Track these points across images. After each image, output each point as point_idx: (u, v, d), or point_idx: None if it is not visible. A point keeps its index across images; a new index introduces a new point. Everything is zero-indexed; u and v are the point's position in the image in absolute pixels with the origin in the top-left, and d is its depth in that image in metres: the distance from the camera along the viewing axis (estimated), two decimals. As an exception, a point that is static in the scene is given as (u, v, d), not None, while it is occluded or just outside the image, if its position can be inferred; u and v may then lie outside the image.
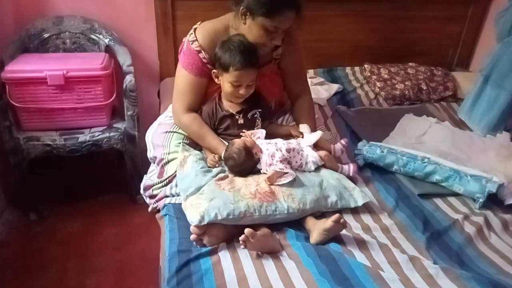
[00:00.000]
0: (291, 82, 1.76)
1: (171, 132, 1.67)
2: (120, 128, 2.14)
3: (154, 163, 1.69)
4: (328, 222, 1.29)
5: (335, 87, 2.48)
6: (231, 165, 1.48)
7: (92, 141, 2.06)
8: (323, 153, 1.64)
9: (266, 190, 1.40)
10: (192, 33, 1.58)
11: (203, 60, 1.57)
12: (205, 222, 1.28)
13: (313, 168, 1.57)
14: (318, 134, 1.69)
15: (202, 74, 1.59)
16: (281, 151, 1.51)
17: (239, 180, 1.45)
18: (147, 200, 1.68)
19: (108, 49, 2.31)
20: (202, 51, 1.56)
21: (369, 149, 1.73)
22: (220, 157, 1.56)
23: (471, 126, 2.14)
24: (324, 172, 1.58)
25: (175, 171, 1.56)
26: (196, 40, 1.56)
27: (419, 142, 1.95)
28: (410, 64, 2.69)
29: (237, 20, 1.53)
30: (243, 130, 1.58)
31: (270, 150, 1.50)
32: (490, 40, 2.37)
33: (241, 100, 1.59)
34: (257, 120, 1.64)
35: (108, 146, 2.11)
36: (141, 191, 1.70)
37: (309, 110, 1.79)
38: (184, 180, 1.49)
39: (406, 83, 2.50)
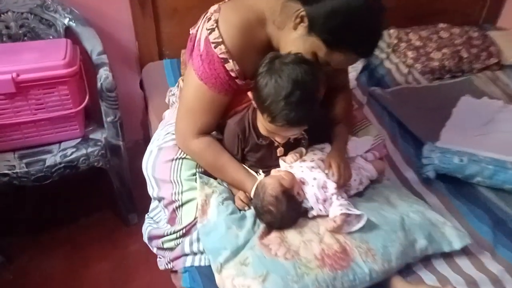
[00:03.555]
0: (330, 74, 1.29)
1: (179, 159, 1.19)
2: (100, 140, 1.63)
3: (159, 202, 1.22)
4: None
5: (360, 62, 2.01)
6: (268, 221, 1.05)
7: (64, 162, 1.55)
8: (379, 163, 1.23)
9: (336, 249, 0.98)
10: (214, 28, 1.06)
11: (231, 73, 1.08)
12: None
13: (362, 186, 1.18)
14: (368, 140, 1.26)
15: (226, 91, 1.11)
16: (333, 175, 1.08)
17: (292, 235, 1.02)
18: (154, 250, 1.24)
19: (69, 33, 1.74)
20: (230, 61, 1.06)
21: (443, 158, 1.32)
22: (250, 196, 1.13)
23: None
24: (393, 198, 1.17)
25: (195, 219, 1.11)
26: (223, 42, 1.05)
27: (483, 133, 1.56)
28: (441, 25, 2.24)
29: (284, 16, 1.03)
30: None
31: (319, 179, 1.07)
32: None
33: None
34: (303, 142, 1.18)
35: (87, 166, 1.61)
36: (145, 239, 1.25)
37: (348, 108, 1.35)
38: (212, 236, 1.05)
39: (444, 50, 2.06)
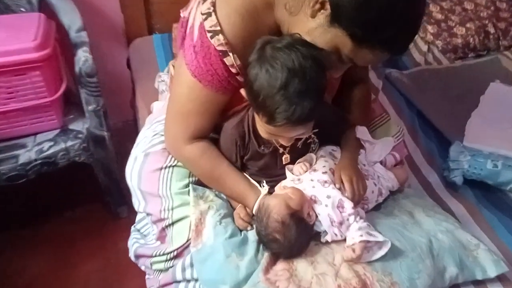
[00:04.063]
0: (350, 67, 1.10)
1: (169, 167, 1.01)
2: (81, 131, 1.44)
3: (147, 216, 1.06)
4: None
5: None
6: (276, 251, 0.89)
7: (40, 159, 1.37)
8: (401, 172, 1.07)
9: (354, 286, 0.83)
10: (210, 13, 0.85)
11: (231, 69, 0.88)
12: None
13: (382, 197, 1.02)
14: (388, 142, 1.09)
15: (225, 89, 0.91)
16: None
17: (303, 267, 0.86)
18: (142, 268, 1.09)
19: (44, 4, 1.51)
20: (230, 54, 0.86)
21: (474, 162, 1.14)
22: (253, 212, 0.96)
23: None
24: (418, 212, 1.01)
25: (187, 241, 0.95)
26: (221, 31, 0.85)
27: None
28: (464, -6, 2.00)
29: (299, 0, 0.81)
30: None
31: (334, 198, 0.90)
32: None
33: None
34: (312, 146, 1.00)
35: (67, 162, 1.43)
36: (131, 256, 1.09)
37: (366, 103, 1.16)
38: (208, 264, 0.89)
39: (468, 25, 1.84)
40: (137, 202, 1.03)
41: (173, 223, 0.98)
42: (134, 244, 1.07)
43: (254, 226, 0.91)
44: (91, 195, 1.79)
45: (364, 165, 1.04)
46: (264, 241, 0.88)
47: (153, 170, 1.01)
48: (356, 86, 1.13)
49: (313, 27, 0.81)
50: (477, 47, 1.82)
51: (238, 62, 0.87)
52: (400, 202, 1.04)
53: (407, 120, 1.41)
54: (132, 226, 1.14)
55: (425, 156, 1.29)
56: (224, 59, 0.87)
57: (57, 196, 1.81)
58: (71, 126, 1.46)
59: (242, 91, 0.87)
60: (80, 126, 1.46)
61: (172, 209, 0.98)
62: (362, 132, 1.06)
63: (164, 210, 0.98)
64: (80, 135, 1.43)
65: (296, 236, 0.85)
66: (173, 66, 1.27)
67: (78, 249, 1.66)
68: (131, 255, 1.08)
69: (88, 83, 1.38)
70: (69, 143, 1.41)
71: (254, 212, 0.96)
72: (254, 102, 0.83)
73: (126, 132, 1.88)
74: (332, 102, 1.13)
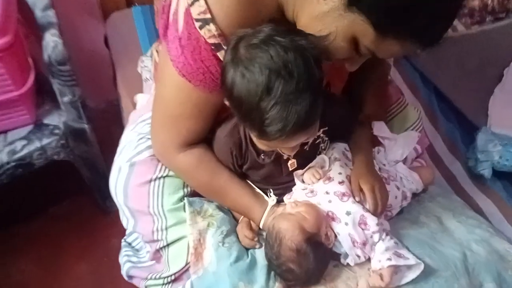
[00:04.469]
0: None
1: (159, 178, 0.87)
2: (57, 126, 1.28)
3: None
4: None
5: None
6: (290, 283, 0.76)
7: (14, 161, 1.21)
8: (427, 173, 0.94)
9: (385, 320, 0.71)
10: None
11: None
12: None
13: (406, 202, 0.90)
14: (411, 138, 0.95)
15: (218, 88, 0.74)
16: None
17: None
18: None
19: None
20: (225, 48, 0.69)
21: (505, 153, 1.01)
22: (259, 227, 0.83)
23: None
24: (447, 218, 0.90)
25: (186, 264, 0.82)
26: (213, 19, 0.68)
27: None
28: None
29: None
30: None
31: (355, 214, 0.77)
32: None
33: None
34: (321, 145, 0.86)
35: (44, 161, 1.27)
36: (123, 274, 0.97)
37: (382, 91, 1.02)
38: (212, 295, 0.76)
39: (485, -16, 1.65)
40: (125, 219, 0.90)
41: (168, 245, 0.85)
42: (126, 264, 0.93)
43: (264, 250, 0.78)
44: (76, 188, 1.65)
45: (384, 165, 0.90)
46: (276, 271, 0.75)
47: (140, 184, 0.86)
48: (371, 69, 0.97)
49: (325, 11, 0.64)
50: (495, 9, 1.64)
51: None
52: (426, 206, 0.92)
53: (424, 100, 1.26)
54: (123, 240, 1.01)
55: (446, 143, 1.16)
56: (218, 54, 0.71)
57: (39, 191, 1.66)
58: (46, 120, 1.29)
59: (226, 102, 0.71)
60: (56, 119, 1.29)
61: (166, 229, 0.84)
62: (379, 128, 0.92)
63: (157, 230, 0.85)
64: (56, 131, 1.27)
65: (314, 265, 0.73)
66: (157, 51, 1.09)
67: (67, 249, 1.53)
68: (124, 274, 0.95)
69: (60, 72, 1.19)
70: (45, 141, 1.25)
71: (261, 227, 0.83)
72: (237, 114, 0.68)
73: (110, 115, 1.72)
74: (342, 89, 0.97)
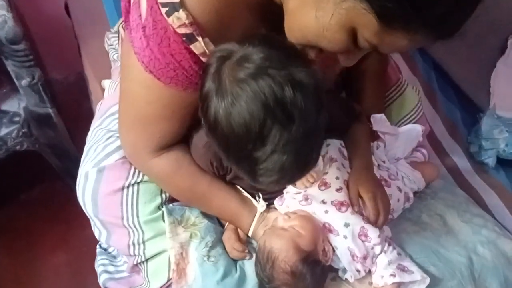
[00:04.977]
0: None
1: (133, 185, 0.76)
2: (17, 113, 1.14)
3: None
4: None
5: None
6: None
7: (-31, 155, 1.08)
8: (431, 170, 0.86)
9: None
10: None
11: (202, 59, 0.59)
12: None
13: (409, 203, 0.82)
14: (415, 132, 0.87)
15: (197, 86, 0.60)
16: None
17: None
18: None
19: None
20: (199, 38, 0.57)
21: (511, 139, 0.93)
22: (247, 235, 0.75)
23: None
24: (451, 217, 0.83)
25: (168, 281, 0.74)
26: (182, 4, 0.55)
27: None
28: None
29: None
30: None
31: (354, 226, 0.69)
32: None
33: None
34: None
35: (5, 153, 1.15)
36: (100, 282, 0.88)
37: (380, 79, 0.91)
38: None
39: None
40: (97, 231, 0.80)
41: (147, 260, 0.76)
42: (102, 274, 0.84)
43: (254, 268, 0.70)
44: (49, 173, 1.53)
45: (384, 162, 0.82)
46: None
47: (111, 192, 0.76)
48: (370, 56, 0.86)
49: None
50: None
51: (210, 48, 0.58)
52: (428, 203, 0.85)
53: (422, 78, 1.16)
54: (98, 245, 0.91)
55: (445, 124, 1.07)
56: (191, 46, 0.58)
57: (8, 176, 1.54)
58: (4, 107, 1.15)
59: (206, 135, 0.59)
60: (15, 105, 1.15)
61: (144, 242, 0.75)
62: (379, 122, 0.82)
63: (133, 244, 0.75)
64: (16, 118, 1.14)
65: (311, 286, 0.65)
66: (123, 28, 0.95)
67: (41, 238, 1.44)
68: (100, 285, 0.87)
69: (13, 52, 1.04)
70: (4, 131, 1.12)
71: (250, 235, 0.75)
72: (223, 154, 0.57)
73: (80, 87, 1.56)
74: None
